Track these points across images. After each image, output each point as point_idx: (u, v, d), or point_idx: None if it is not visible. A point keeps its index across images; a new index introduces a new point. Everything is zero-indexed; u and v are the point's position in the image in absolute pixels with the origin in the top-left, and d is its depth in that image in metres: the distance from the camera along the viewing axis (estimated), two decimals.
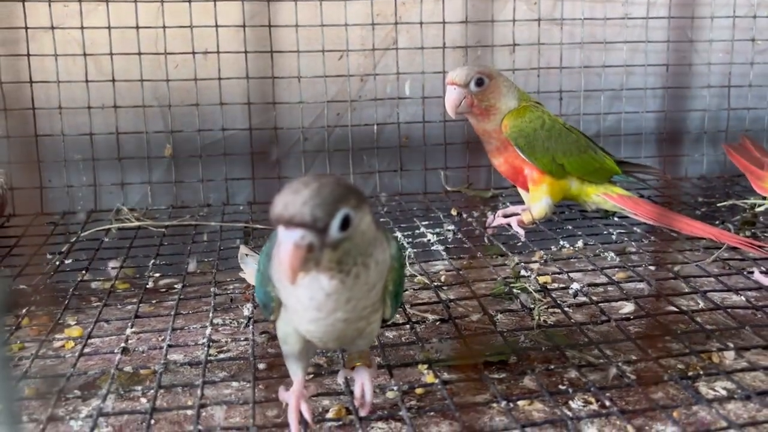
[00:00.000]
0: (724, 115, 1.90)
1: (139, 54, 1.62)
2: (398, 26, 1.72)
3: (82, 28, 1.60)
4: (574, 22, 1.79)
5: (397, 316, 1.10)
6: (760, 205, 1.61)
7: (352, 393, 0.85)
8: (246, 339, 1.04)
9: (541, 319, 1.09)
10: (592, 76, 1.83)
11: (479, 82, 1.35)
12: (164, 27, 1.62)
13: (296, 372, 0.83)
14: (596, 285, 1.21)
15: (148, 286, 1.26)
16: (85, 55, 1.61)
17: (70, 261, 1.36)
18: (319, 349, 0.88)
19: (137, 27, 1.61)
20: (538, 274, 1.24)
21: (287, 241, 0.63)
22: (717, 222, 1.49)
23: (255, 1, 1.64)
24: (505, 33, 1.76)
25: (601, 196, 1.45)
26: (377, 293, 0.75)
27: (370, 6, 1.69)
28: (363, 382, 0.83)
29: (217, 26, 1.63)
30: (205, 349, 1.00)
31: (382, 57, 1.73)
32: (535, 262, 1.32)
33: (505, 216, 1.50)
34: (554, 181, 1.42)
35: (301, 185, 0.65)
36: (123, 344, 1.02)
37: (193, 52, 1.64)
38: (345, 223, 0.65)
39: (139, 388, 0.91)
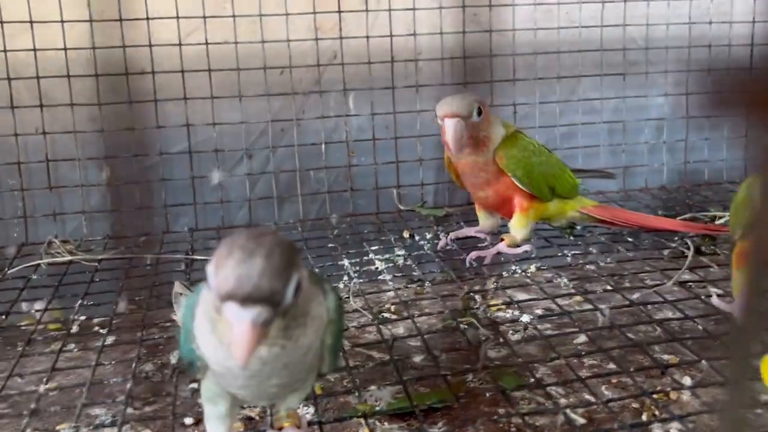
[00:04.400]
0: (682, 124, 1.86)
1: (68, 77, 1.53)
2: (342, 40, 1.65)
3: (5, 51, 1.51)
4: (526, 32, 1.73)
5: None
6: (720, 217, 1.57)
7: None
8: (167, 394, 0.96)
9: (490, 356, 1.03)
10: (545, 87, 1.77)
11: (479, 112, 1.25)
12: (94, 48, 1.53)
13: None
14: (547, 316, 1.15)
15: (72, 331, 1.18)
16: (9, 79, 1.52)
17: None
18: (246, 404, 0.81)
19: (65, 48, 1.52)
20: (488, 305, 1.18)
21: (242, 321, 0.56)
22: (676, 238, 1.45)
23: (191, 18, 1.56)
24: (455, 45, 1.70)
25: (578, 211, 1.41)
26: (315, 351, 0.68)
27: (312, 20, 1.62)
28: None
29: (151, 45, 1.55)
30: (123, 406, 0.92)
31: (325, 72, 1.66)
32: (486, 290, 1.25)
33: (458, 238, 1.44)
34: (540, 205, 1.36)
35: (246, 253, 0.57)
36: (33, 404, 0.93)
37: (126, 74, 1.55)
38: (296, 289, 0.59)
39: None
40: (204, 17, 1.56)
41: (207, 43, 1.57)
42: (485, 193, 1.36)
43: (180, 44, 1.56)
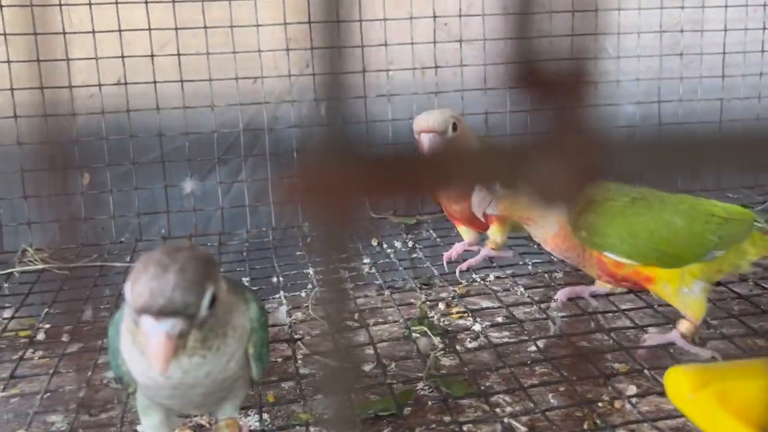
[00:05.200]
0: (654, 131, 1.88)
1: (42, 88, 1.55)
2: (313, 51, 1.67)
3: None
4: (498, 43, 1.75)
5: (286, 366, 1.06)
6: None
7: None
8: (120, 401, 0.98)
9: (440, 364, 1.05)
10: (515, 95, 1.78)
11: (454, 127, 1.26)
12: (68, 59, 1.55)
13: None
14: (502, 324, 1.17)
15: (38, 339, 1.20)
16: None
17: None
18: (181, 414, 0.83)
19: (38, 60, 1.54)
20: (442, 314, 1.20)
21: (157, 333, 0.59)
22: None
23: (163, 30, 1.58)
24: (428, 56, 1.72)
25: None
26: (237, 360, 0.70)
27: (283, 30, 1.64)
28: None
29: (123, 57, 1.57)
30: (74, 414, 0.94)
31: (296, 81, 1.68)
32: (443, 299, 1.27)
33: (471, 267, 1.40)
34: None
35: (160, 268, 0.60)
36: None
37: (99, 84, 1.57)
38: (212, 301, 0.62)
39: None
40: (176, 29, 1.58)
41: (179, 54, 1.59)
42: (460, 207, 1.35)
43: (152, 55, 1.58)
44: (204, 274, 0.61)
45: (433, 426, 0.91)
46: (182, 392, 0.68)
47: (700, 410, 0.57)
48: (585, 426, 0.92)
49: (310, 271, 1.40)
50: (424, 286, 1.31)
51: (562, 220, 1.01)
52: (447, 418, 0.93)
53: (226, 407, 0.78)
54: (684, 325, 1.03)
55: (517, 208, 1.08)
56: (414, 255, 1.47)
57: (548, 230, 1.04)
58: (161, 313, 0.59)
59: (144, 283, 0.59)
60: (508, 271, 1.37)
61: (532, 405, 0.96)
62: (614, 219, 0.99)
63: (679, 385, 0.58)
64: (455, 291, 1.29)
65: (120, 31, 1.56)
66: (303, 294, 1.30)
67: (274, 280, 1.37)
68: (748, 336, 1.09)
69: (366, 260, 1.45)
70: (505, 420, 0.91)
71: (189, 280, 0.60)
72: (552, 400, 0.98)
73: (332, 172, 0.23)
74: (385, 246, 1.54)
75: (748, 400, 0.51)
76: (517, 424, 0.92)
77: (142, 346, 0.62)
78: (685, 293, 1.00)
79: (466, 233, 1.44)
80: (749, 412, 0.52)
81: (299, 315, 1.23)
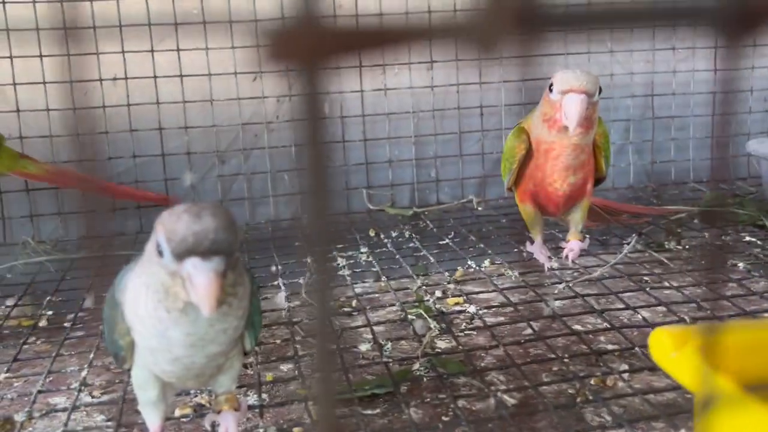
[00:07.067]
0: (648, 125, 1.90)
1: (44, 83, 1.58)
2: None
3: None
4: None
5: (285, 349, 1.08)
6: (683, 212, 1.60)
7: None
8: (121, 381, 1.00)
9: (435, 346, 1.07)
10: (511, 92, 1.81)
11: (600, 91, 1.17)
12: (68, 55, 1.57)
13: (152, 420, 0.80)
14: (495, 307, 1.18)
15: (40, 325, 1.22)
16: None
17: None
18: (177, 390, 0.85)
19: (41, 56, 1.57)
20: (438, 298, 1.22)
21: (205, 272, 0.62)
22: (642, 233, 1.49)
23: (163, 25, 1.61)
24: (422, 51, 1.74)
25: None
26: (244, 320, 0.72)
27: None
28: (228, 428, 0.80)
29: (123, 52, 1.60)
30: (76, 393, 0.96)
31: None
32: (439, 284, 1.29)
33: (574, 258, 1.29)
34: None
35: (194, 216, 0.63)
36: None
37: (101, 79, 1.60)
38: (240, 243, 0.66)
39: None
40: (175, 24, 1.60)
41: (179, 50, 1.62)
42: (575, 179, 1.22)
43: (152, 50, 1.61)
44: (232, 218, 0.65)
45: (428, 401, 0.92)
46: (192, 353, 0.70)
47: (683, 368, 0.59)
48: (578, 400, 0.93)
49: (308, 260, 1.42)
50: (421, 276, 1.33)
51: None
52: (442, 396, 0.95)
53: (223, 380, 0.79)
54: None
55: None
56: (411, 244, 1.48)
57: None
58: (208, 252, 0.62)
59: (185, 228, 0.62)
60: (503, 258, 1.39)
61: (526, 383, 0.97)
62: None
63: (663, 345, 0.60)
64: (452, 278, 1.30)
65: (120, 26, 1.58)
66: (301, 281, 1.32)
67: (273, 269, 1.39)
68: None
69: (363, 249, 1.47)
70: (498, 394, 0.92)
71: (224, 221, 0.63)
72: (545, 379, 0.99)
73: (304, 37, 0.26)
74: (382, 236, 1.56)
75: (730, 353, 0.52)
76: (510, 399, 0.93)
77: (178, 296, 0.65)
78: None
79: (538, 225, 1.30)
80: (732, 364, 0.53)
81: (297, 301, 1.25)
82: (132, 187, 1.61)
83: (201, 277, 0.62)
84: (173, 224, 0.63)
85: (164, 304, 0.67)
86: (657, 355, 0.62)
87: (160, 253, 0.65)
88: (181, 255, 0.63)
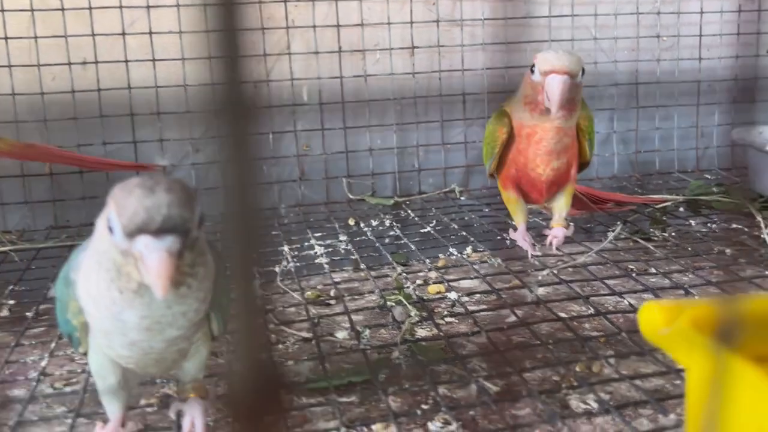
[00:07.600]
0: (633, 114, 1.87)
1: (9, 66, 1.52)
2: (290, 30, 1.65)
3: None
4: (475, 23, 1.74)
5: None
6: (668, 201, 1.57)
7: (180, 429, 0.77)
8: (83, 371, 0.95)
9: (415, 333, 1.02)
10: (496, 78, 1.78)
11: (583, 72, 1.14)
12: (36, 37, 1.52)
13: (113, 409, 0.75)
14: (478, 293, 1.15)
15: (1, 315, 1.16)
16: None
17: None
18: (141, 379, 0.80)
19: (6, 38, 1.51)
20: (418, 285, 1.18)
21: (157, 250, 0.57)
22: (627, 221, 1.46)
23: (134, 8, 1.55)
24: (404, 35, 1.71)
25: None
26: (207, 303, 0.67)
27: (258, 9, 1.62)
28: (194, 417, 0.76)
29: (93, 35, 1.54)
30: (35, 384, 0.91)
31: (276, 62, 1.66)
32: (420, 272, 1.25)
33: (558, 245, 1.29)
34: None
35: (147, 190, 0.58)
36: None
37: (69, 63, 1.54)
38: (201, 220, 0.61)
39: None
40: (148, 7, 1.55)
41: (150, 33, 1.56)
42: (558, 163, 1.20)
43: (123, 33, 1.56)
44: (190, 194, 0.60)
45: (407, 388, 0.88)
46: (149, 337, 0.65)
47: (675, 342, 0.56)
48: (563, 386, 0.89)
49: (285, 248, 1.37)
50: (401, 264, 1.28)
51: None
52: (422, 383, 0.91)
53: (188, 367, 0.74)
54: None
55: None
56: (392, 233, 1.44)
57: None
58: (160, 229, 0.57)
59: (136, 203, 0.57)
60: (485, 245, 1.35)
61: (509, 369, 0.94)
62: None
63: (654, 319, 0.56)
64: (433, 266, 1.26)
65: (90, 9, 1.53)
66: (277, 269, 1.27)
67: None
68: None
69: (342, 238, 1.42)
70: (480, 381, 0.88)
71: (180, 197, 0.58)
72: (529, 365, 0.95)
73: None
74: (362, 225, 1.52)
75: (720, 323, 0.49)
76: (491, 386, 0.89)
77: (132, 275, 0.60)
78: None
79: (521, 211, 1.29)
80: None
81: (271, 290, 1.21)
82: (102, 157, 1.55)
83: (153, 257, 0.57)
84: (124, 199, 0.58)
85: (117, 284, 0.62)
86: (647, 331, 0.58)
87: (111, 230, 0.60)
88: (131, 232, 0.58)
